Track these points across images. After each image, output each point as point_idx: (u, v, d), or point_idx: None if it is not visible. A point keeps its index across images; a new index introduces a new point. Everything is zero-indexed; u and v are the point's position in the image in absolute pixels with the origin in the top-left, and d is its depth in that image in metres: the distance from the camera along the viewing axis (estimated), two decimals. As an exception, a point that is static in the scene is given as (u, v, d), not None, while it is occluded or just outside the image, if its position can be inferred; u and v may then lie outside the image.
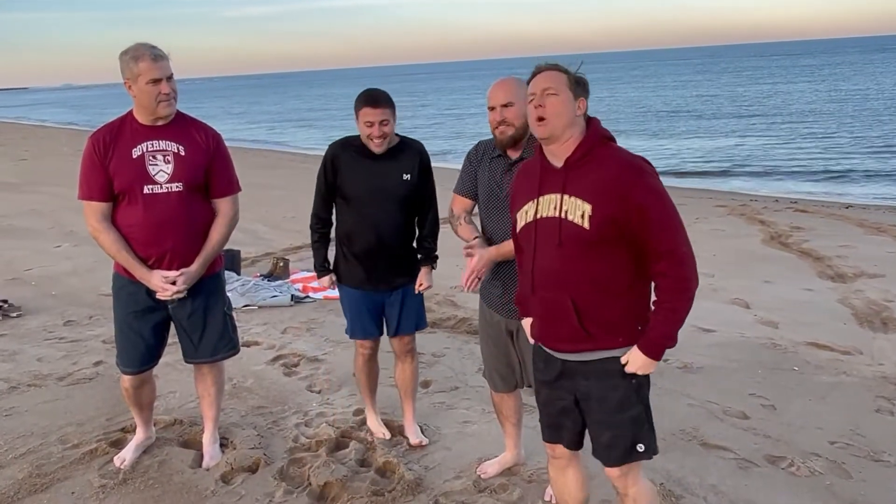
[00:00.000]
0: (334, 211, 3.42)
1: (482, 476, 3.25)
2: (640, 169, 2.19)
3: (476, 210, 3.07)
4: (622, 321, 2.25)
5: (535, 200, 2.29)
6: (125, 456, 3.34)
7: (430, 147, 3.62)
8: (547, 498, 3.06)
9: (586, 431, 2.41)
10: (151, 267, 3.02)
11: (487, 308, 3.05)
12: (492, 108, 2.81)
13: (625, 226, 2.15)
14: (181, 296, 3.05)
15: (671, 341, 2.21)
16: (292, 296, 6.23)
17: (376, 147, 3.20)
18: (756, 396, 4.14)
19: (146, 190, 2.97)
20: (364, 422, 3.76)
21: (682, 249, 2.18)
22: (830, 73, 54.08)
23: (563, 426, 2.41)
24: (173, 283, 3.01)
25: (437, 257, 3.46)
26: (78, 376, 4.46)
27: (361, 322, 3.44)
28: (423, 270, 3.41)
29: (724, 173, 16.26)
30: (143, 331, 3.13)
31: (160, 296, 3.03)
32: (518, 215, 2.37)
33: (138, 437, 3.44)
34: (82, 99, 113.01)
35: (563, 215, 2.21)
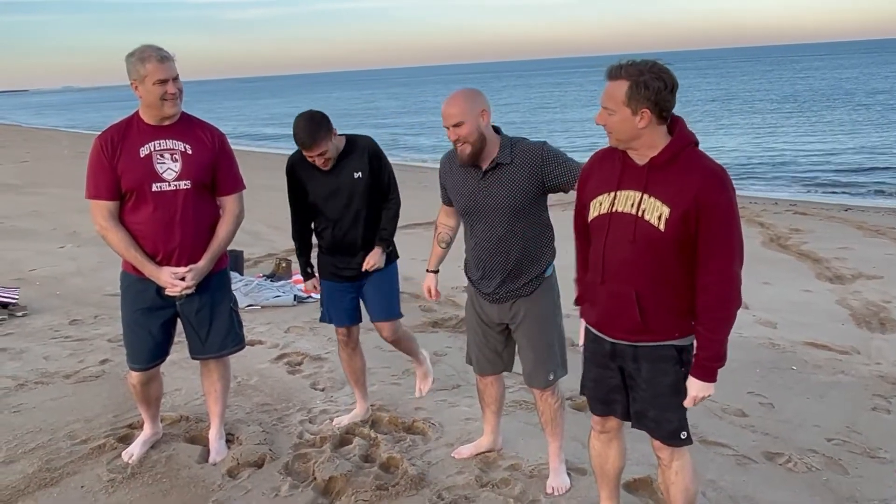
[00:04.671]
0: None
1: (456, 457, 3.39)
2: (723, 184, 2.22)
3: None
4: (680, 316, 2.33)
5: (613, 193, 2.33)
6: (133, 451, 3.39)
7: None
8: (549, 491, 3.11)
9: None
10: (160, 264, 3.08)
11: (477, 296, 3.13)
12: (446, 127, 2.86)
13: (694, 231, 2.22)
14: (190, 292, 3.11)
15: (721, 361, 2.30)
16: (295, 296, 6.28)
17: (327, 169, 3.41)
18: (754, 395, 4.20)
19: (155, 188, 3.02)
20: (367, 419, 3.81)
21: (732, 269, 2.24)
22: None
23: (615, 401, 2.53)
24: (182, 280, 3.07)
25: (388, 239, 3.57)
26: (84, 374, 4.51)
27: (332, 309, 3.65)
28: (374, 251, 3.52)
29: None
30: (152, 328, 3.18)
31: (169, 292, 3.09)
32: (592, 203, 2.40)
33: (146, 432, 3.50)
34: (83, 101, 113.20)
35: (640, 214, 2.26)
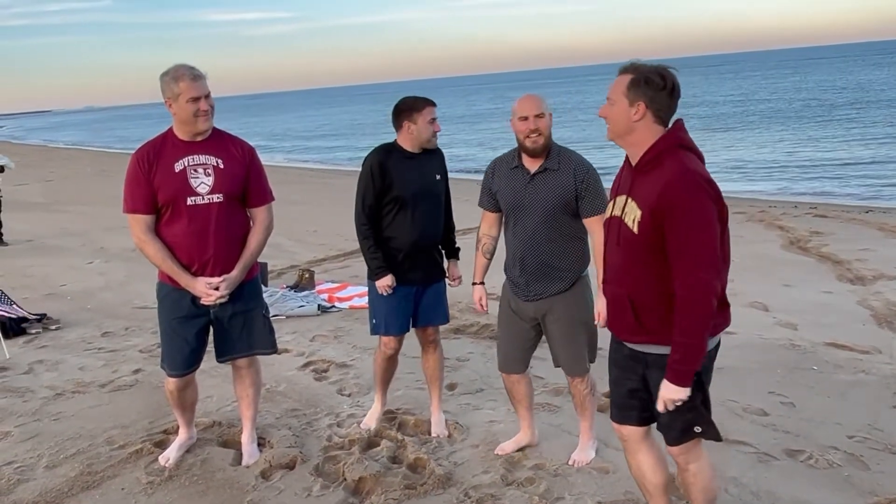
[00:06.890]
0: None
1: (499, 453, 3.50)
2: (689, 185, 2.18)
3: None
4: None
5: (614, 198, 2.46)
6: (169, 455, 3.51)
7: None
8: (570, 462, 3.39)
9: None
10: (195, 274, 3.21)
11: (513, 294, 3.31)
12: (523, 119, 3.09)
13: (662, 234, 2.22)
14: (224, 300, 3.23)
15: (691, 366, 2.24)
16: (319, 305, 6.41)
17: (436, 140, 3.59)
18: (775, 394, 4.23)
19: (189, 201, 3.15)
20: (393, 421, 3.91)
21: (696, 274, 2.17)
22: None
23: (631, 406, 2.57)
24: (216, 289, 3.19)
25: (457, 252, 3.80)
26: (119, 383, 4.66)
27: (392, 318, 3.63)
28: (453, 264, 3.75)
29: (743, 179, 16.27)
30: (188, 335, 3.31)
31: (204, 301, 3.21)
32: (608, 209, 2.55)
33: (181, 437, 3.62)
34: (103, 121, 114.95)
35: (623, 217, 2.36)
